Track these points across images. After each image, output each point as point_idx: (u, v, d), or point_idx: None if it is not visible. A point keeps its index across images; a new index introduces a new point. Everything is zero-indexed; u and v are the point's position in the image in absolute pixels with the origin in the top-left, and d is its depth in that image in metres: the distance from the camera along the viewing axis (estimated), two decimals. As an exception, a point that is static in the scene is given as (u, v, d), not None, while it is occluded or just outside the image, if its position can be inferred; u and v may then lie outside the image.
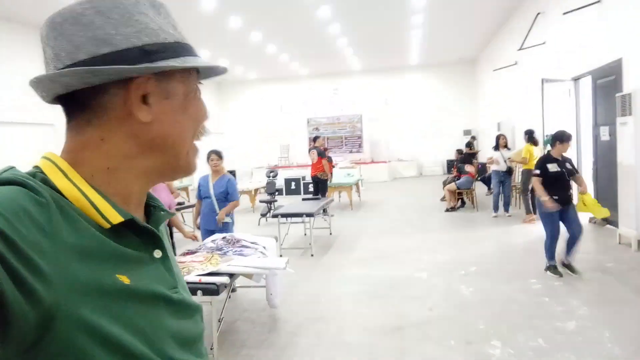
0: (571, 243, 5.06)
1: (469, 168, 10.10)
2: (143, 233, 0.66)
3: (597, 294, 4.55)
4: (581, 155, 8.89)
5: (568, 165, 5.09)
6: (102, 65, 0.59)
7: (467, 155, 11.15)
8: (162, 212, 0.75)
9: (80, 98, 0.63)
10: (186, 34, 0.70)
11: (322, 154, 10.09)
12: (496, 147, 9.23)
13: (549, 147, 5.18)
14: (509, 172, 9.24)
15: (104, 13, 0.61)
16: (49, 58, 0.62)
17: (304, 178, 11.40)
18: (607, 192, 7.29)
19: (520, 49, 11.20)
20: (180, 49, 0.67)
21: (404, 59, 18.81)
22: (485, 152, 14.93)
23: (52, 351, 0.51)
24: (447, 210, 9.89)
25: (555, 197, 4.91)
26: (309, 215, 6.51)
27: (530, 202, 8.37)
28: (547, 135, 5.16)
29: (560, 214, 5.00)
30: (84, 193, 0.61)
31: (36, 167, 0.63)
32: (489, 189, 12.50)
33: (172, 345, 0.63)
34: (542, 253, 6.33)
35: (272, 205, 9.57)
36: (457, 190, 10.05)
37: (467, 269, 5.54)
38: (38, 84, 0.62)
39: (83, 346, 0.52)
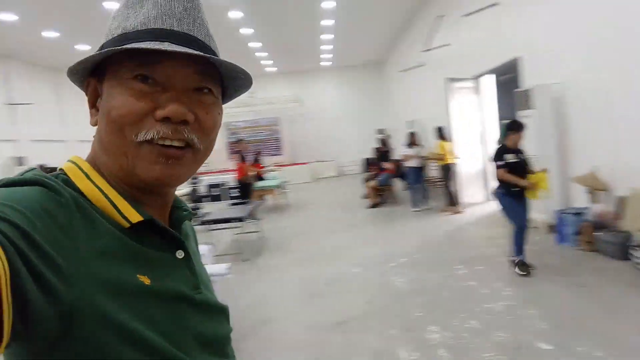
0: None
1: (387, 165, 10.50)
2: (164, 234, 0.66)
3: (517, 274, 4.92)
4: (487, 147, 9.61)
5: (522, 156, 4.89)
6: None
7: (385, 153, 11.56)
8: (184, 212, 0.75)
9: None
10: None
11: (244, 157, 9.99)
12: (409, 144, 9.50)
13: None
14: (422, 167, 9.55)
15: (119, 8, 0.66)
16: None
17: (227, 183, 11.19)
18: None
19: (425, 51, 11.83)
20: (122, 39, 0.62)
21: (317, 61, 19.15)
22: (399, 150, 15.57)
23: (76, 347, 0.51)
24: (371, 206, 10.20)
25: (515, 189, 4.75)
26: (240, 220, 6.42)
27: (452, 194, 8.80)
28: (502, 125, 5.14)
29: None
30: (105, 193, 0.62)
31: (60, 169, 0.64)
32: (407, 184, 13.10)
33: (195, 345, 0.64)
34: (465, 240, 6.78)
35: (198, 213, 9.29)
36: (378, 187, 10.39)
37: (397, 260, 5.75)
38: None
39: (107, 342, 0.52)
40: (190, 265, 0.69)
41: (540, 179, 4.77)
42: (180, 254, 0.67)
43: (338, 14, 12.55)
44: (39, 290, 0.46)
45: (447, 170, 8.86)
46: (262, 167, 12.93)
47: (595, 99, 5.58)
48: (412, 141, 9.47)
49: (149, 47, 0.58)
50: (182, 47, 0.60)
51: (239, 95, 0.76)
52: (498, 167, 4.78)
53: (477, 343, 3.40)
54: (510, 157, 4.77)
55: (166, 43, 0.60)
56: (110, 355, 0.53)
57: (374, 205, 10.22)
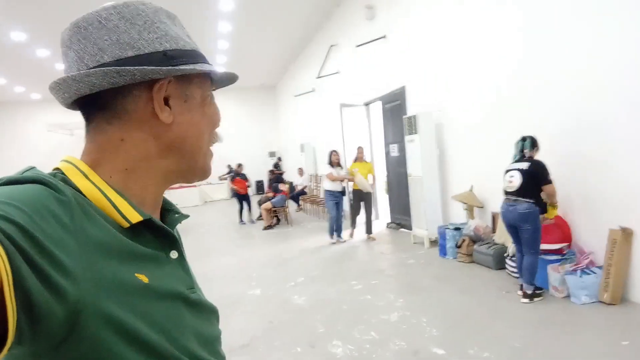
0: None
1: (283, 187, 10.60)
2: (160, 234, 0.67)
3: (407, 286, 5.25)
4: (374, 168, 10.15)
5: None
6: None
7: (279, 175, 11.69)
8: (176, 215, 0.77)
9: (102, 100, 0.65)
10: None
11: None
12: (330, 164, 8.09)
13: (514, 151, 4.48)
14: (344, 192, 8.20)
15: (128, 19, 0.65)
16: (72, 61, 0.64)
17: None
18: (399, 200, 8.48)
19: (318, 77, 12.30)
20: (197, 55, 0.71)
21: (209, 83, 18.90)
22: (291, 173, 15.86)
23: (80, 347, 0.51)
24: (265, 228, 10.18)
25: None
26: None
27: (368, 220, 8.03)
28: (526, 138, 4.38)
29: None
30: (104, 193, 0.62)
31: (56, 169, 0.64)
32: (298, 205, 13.32)
33: (194, 342, 0.65)
34: (358, 256, 7.03)
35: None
36: (273, 209, 10.44)
37: (295, 279, 5.81)
38: (60, 85, 0.63)
39: (110, 342, 0.52)
40: (184, 265, 0.71)
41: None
42: (174, 254, 0.69)
43: (233, 37, 12.57)
44: (44, 290, 0.45)
45: (367, 194, 7.95)
46: (246, 183, 11.40)
47: (468, 124, 6.23)
48: (333, 161, 8.10)
49: (225, 76, 0.81)
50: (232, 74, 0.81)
51: None
52: (550, 182, 4.25)
53: (379, 353, 3.54)
54: None
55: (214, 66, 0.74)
56: (112, 355, 0.53)
57: (269, 227, 10.22)
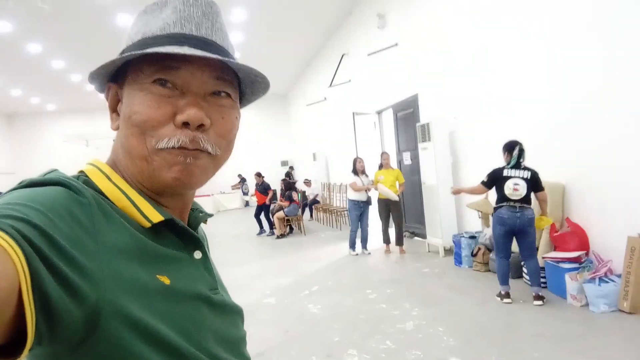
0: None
1: (295, 196, 10.62)
2: (183, 234, 0.67)
3: (423, 295, 5.20)
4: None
5: None
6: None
7: (292, 184, 11.70)
8: (200, 214, 0.76)
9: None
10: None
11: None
12: (354, 172, 7.61)
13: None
14: (369, 202, 7.69)
15: (139, 14, 0.67)
16: None
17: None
18: (412, 208, 8.44)
19: (330, 86, 12.34)
20: (142, 44, 0.63)
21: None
22: (303, 182, 15.88)
23: (99, 348, 0.51)
24: (278, 237, 10.19)
25: None
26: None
27: (399, 230, 7.54)
28: (522, 147, 4.59)
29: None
30: (126, 194, 0.62)
31: (81, 171, 0.65)
32: (311, 215, 13.32)
33: (215, 344, 0.64)
34: (371, 265, 6.98)
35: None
36: (286, 217, 10.45)
37: (310, 288, 5.79)
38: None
39: (130, 343, 0.52)
40: (208, 265, 0.70)
41: None
42: (197, 255, 0.68)
43: (244, 47, 12.69)
44: (62, 291, 0.45)
45: (395, 204, 7.41)
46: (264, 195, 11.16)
47: (482, 132, 6.20)
48: (358, 168, 7.62)
49: (166, 50, 0.59)
50: (200, 51, 0.61)
51: (257, 98, 0.77)
52: (544, 189, 4.55)
53: (395, 362, 3.52)
54: None
55: (185, 47, 0.61)
56: (132, 356, 0.52)
57: (282, 236, 10.23)
